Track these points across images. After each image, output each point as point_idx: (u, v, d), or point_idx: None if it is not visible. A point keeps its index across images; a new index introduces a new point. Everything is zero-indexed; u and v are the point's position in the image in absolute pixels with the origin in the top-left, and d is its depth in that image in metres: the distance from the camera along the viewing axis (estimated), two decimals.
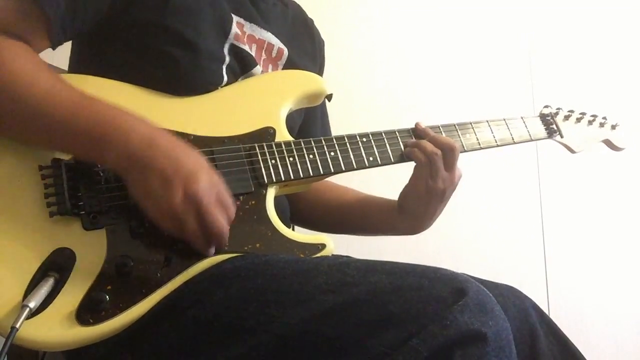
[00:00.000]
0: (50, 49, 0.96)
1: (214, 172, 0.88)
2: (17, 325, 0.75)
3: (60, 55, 1.06)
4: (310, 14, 1.35)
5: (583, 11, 2.40)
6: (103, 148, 0.84)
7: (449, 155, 1.08)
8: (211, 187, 0.85)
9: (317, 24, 1.35)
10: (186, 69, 1.00)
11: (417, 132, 1.12)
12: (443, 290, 0.76)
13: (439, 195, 1.09)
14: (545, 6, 2.38)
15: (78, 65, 1.07)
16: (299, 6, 1.32)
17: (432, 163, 1.07)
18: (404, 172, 1.13)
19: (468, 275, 0.83)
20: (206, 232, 0.85)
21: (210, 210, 0.84)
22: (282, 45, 1.18)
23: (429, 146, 1.08)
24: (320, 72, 1.33)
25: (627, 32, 2.42)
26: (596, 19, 2.40)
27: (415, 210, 1.13)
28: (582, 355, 1.00)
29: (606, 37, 2.39)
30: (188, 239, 0.86)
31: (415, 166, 1.10)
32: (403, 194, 1.15)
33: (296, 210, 1.22)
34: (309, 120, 1.25)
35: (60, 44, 0.96)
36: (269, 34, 1.15)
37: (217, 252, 0.89)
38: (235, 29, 1.08)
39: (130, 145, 0.84)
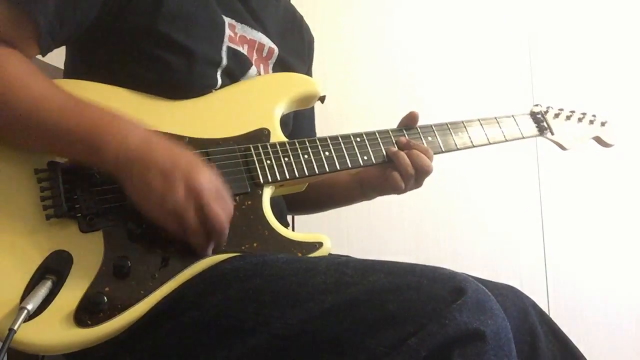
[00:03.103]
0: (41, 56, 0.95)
1: (211, 169, 0.88)
2: (15, 328, 0.74)
3: (60, 56, 1.06)
4: (307, 13, 1.35)
5: (583, 9, 2.40)
6: (100, 151, 0.84)
7: (422, 176, 1.12)
8: (210, 181, 0.86)
9: (315, 23, 1.35)
10: (180, 73, 1.00)
11: (400, 145, 1.13)
12: (442, 289, 0.76)
13: (399, 192, 1.14)
14: (545, 5, 2.38)
15: (73, 70, 1.07)
16: (288, 1, 1.32)
17: (404, 177, 1.11)
18: None
19: (468, 275, 0.83)
20: (207, 227, 0.85)
21: (211, 204, 0.84)
22: (272, 45, 1.18)
23: (406, 161, 1.10)
24: (309, 69, 1.34)
25: (627, 31, 2.42)
26: (596, 17, 2.40)
27: (374, 193, 1.22)
28: (582, 355, 1.00)
29: (606, 35, 2.40)
30: (188, 235, 0.86)
31: (392, 168, 1.12)
32: (368, 176, 1.18)
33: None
34: (298, 121, 1.25)
35: (50, 50, 0.95)
36: (260, 33, 1.16)
37: (215, 252, 0.89)
38: (227, 30, 1.08)
39: (128, 146, 0.84)
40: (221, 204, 0.86)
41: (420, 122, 1.17)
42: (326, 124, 1.37)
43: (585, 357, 1.00)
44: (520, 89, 2.30)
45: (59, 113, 0.86)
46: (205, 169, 0.87)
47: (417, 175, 1.11)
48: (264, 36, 1.16)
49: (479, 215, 2.21)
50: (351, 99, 2.12)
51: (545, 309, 1.03)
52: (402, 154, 1.11)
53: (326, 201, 1.33)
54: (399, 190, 1.13)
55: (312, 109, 1.33)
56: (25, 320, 0.76)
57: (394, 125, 1.17)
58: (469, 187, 2.17)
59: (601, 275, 2.28)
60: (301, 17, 1.34)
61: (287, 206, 1.23)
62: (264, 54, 1.17)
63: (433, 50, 2.27)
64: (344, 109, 2.07)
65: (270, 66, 1.19)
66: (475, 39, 2.31)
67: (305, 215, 1.48)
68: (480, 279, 0.88)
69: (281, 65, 1.20)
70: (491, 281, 0.99)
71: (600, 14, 2.41)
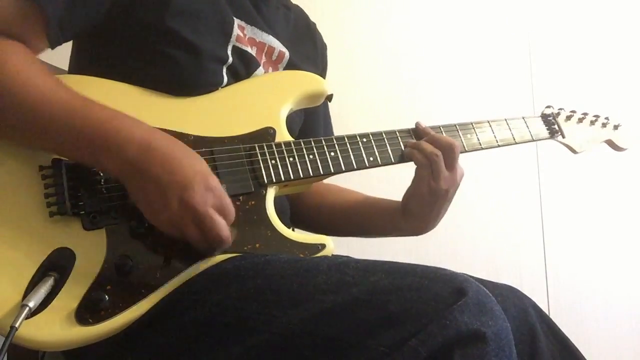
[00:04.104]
0: (50, 49, 0.95)
1: (210, 176, 0.86)
2: (17, 325, 0.75)
3: (60, 56, 1.06)
4: (311, 15, 1.34)
5: (583, 11, 2.40)
6: (100, 155, 0.84)
7: (449, 155, 1.07)
8: (207, 192, 0.84)
9: (318, 24, 1.35)
10: (187, 70, 1.00)
11: (417, 132, 1.12)
12: (443, 290, 0.76)
13: (442, 195, 1.08)
14: (545, 6, 2.38)
15: (78, 65, 1.07)
16: (301, 10, 1.32)
17: (432, 164, 1.07)
18: (404, 172, 1.12)
19: (468, 275, 0.83)
20: (207, 237, 0.85)
21: (208, 217, 0.83)
22: (283, 48, 1.17)
23: (429, 147, 1.07)
24: (322, 76, 1.32)
25: (628, 32, 2.42)
26: (596, 18, 2.40)
27: (419, 212, 1.12)
28: (582, 355, 1.00)
29: (607, 36, 2.39)
30: (190, 243, 0.86)
31: (417, 168, 1.10)
32: (406, 196, 1.14)
33: (298, 213, 1.22)
34: (312, 121, 1.25)
35: (59, 44, 0.95)
36: (270, 37, 1.15)
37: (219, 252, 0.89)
38: (236, 30, 1.08)
39: (125, 154, 0.83)
40: (221, 212, 0.85)
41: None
42: None
43: (585, 357, 1.00)
44: (520, 90, 2.29)
45: (60, 112, 0.84)
46: (201, 179, 0.84)
47: (444, 155, 1.06)
48: (275, 39, 1.16)
49: (479, 215, 2.21)
50: (351, 100, 2.12)
51: (545, 309, 1.03)
52: (423, 141, 1.08)
53: (366, 231, 1.28)
54: (434, 183, 1.06)
55: (326, 107, 1.32)
56: (26, 317, 0.77)
57: (395, 126, 1.16)
58: (469, 187, 2.15)
59: (601, 276, 2.28)
60: (314, 25, 1.33)
61: (321, 230, 1.21)
62: (274, 58, 1.17)
63: (433, 51, 2.26)
64: (345, 110, 2.07)
65: (280, 70, 1.18)
66: (476, 40, 2.30)
67: None
68: (480, 279, 0.88)
69: (292, 69, 1.18)
70: (491, 281, 0.99)
71: (600, 15, 2.41)
